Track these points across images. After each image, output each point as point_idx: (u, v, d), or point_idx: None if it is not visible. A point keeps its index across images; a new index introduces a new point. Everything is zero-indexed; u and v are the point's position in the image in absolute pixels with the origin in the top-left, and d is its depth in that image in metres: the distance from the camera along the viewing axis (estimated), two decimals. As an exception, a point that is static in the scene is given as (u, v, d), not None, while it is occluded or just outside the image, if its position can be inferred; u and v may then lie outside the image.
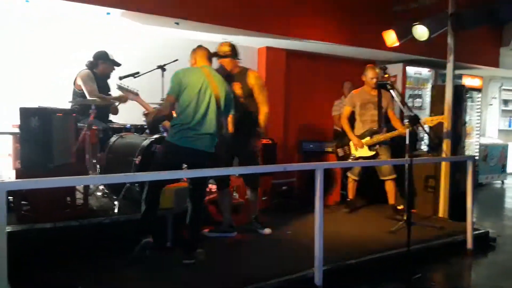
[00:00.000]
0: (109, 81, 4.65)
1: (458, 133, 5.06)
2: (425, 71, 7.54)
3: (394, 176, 4.59)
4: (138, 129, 4.41)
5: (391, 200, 4.69)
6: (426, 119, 4.55)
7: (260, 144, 3.85)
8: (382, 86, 4.46)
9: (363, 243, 3.74)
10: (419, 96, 7.56)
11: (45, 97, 4.54)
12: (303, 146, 5.42)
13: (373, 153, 4.59)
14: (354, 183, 4.83)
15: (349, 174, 4.87)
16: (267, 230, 3.95)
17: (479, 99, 8.22)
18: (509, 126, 9.93)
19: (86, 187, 3.67)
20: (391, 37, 5.18)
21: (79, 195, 3.59)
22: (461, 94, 5.11)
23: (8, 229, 2.91)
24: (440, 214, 4.79)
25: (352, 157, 4.71)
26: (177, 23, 5.07)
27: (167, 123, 3.47)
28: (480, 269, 3.87)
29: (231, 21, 5.21)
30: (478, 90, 8.18)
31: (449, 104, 4.79)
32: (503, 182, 8.43)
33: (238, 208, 4.11)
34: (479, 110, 8.23)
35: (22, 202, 3.30)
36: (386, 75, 4.11)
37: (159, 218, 3.46)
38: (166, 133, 3.77)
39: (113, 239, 3.24)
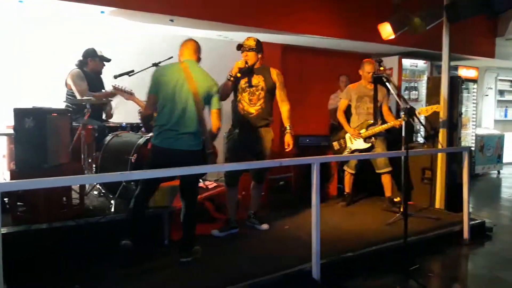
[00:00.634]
0: (103, 77, 4.64)
1: (454, 124, 5.07)
2: (421, 63, 7.52)
3: (389, 169, 4.59)
4: (134, 128, 4.40)
5: (388, 192, 4.70)
6: (421, 109, 4.56)
7: (292, 139, 3.90)
8: (377, 79, 4.45)
9: (360, 236, 3.76)
10: (415, 88, 7.56)
11: (40, 97, 4.53)
12: (299, 141, 5.40)
13: (368, 145, 4.60)
14: (351, 176, 4.85)
15: (345, 167, 4.89)
16: (265, 226, 3.97)
17: (475, 90, 8.22)
18: (505, 116, 9.95)
19: (82, 187, 3.66)
20: (386, 30, 5.17)
21: (75, 195, 3.58)
22: (457, 85, 5.11)
23: (4, 230, 2.92)
24: (437, 205, 4.80)
25: (348, 150, 4.72)
26: (172, 20, 5.04)
27: None
28: (477, 258, 3.89)
29: (226, 17, 5.18)
30: (474, 81, 8.17)
31: (445, 96, 4.79)
32: (499, 172, 8.44)
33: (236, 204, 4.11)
34: (475, 101, 8.23)
35: (18, 203, 3.29)
36: (382, 68, 4.09)
37: (155, 216, 3.47)
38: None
39: (110, 238, 3.23)
